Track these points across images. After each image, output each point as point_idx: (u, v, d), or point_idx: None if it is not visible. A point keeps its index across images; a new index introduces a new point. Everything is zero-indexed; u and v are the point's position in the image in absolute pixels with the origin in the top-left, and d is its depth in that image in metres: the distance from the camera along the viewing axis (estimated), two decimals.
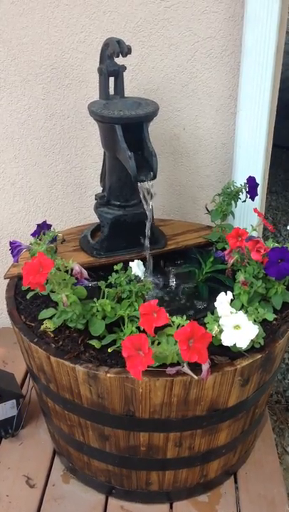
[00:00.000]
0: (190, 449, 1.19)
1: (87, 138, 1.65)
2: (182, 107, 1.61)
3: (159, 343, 1.03)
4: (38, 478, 1.38)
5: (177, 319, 1.01)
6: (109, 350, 1.11)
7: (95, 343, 1.13)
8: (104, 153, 1.41)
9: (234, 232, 1.20)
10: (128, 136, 1.26)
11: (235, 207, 1.49)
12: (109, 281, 1.18)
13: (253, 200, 1.46)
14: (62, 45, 1.53)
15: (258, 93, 1.49)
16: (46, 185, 1.73)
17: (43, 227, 1.43)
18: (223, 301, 1.02)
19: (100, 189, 1.49)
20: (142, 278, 1.20)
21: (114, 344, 1.13)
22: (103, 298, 1.16)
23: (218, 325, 1.02)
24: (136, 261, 1.21)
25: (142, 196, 1.31)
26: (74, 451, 1.30)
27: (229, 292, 1.05)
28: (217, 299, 1.04)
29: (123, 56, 1.27)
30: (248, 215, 1.61)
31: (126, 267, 1.43)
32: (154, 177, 1.27)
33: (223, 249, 1.44)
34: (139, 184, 1.28)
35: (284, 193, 3.45)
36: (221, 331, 1.00)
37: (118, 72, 1.35)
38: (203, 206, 1.70)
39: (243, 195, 1.46)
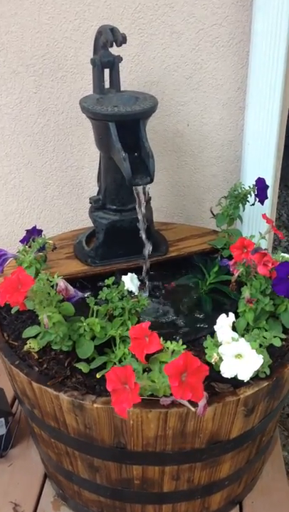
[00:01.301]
0: (189, 482, 1.08)
1: (84, 135, 1.53)
2: (186, 101, 1.49)
3: (150, 371, 0.91)
4: (27, 504, 1.28)
5: (172, 344, 0.89)
6: (98, 375, 1.00)
7: (82, 366, 1.02)
8: None
9: (239, 242, 1.08)
10: (123, 134, 1.14)
11: (243, 210, 1.36)
12: (100, 297, 1.07)
13: (262, 203, 1.33)
14: (55, 33, 1.41)
15: (269, 85, 1.36)
16: (40, 185, 1.62)
17: (32, 233, 1.32)
18: (223, 324, 0.90)
19: (97, 189, 1.37)
20: (137, 293, 1.08)
21: (104, 367, 1.02)
22: (92, 316, 1.04)
23: (219, 351, 0.90)
24: (129, 274, 1.09)
25: (136, 200, 1.19)
26: (63, 479, 1.20)
27: (231, 314, 0.93)
28: (217, 321, 0.92)
29: (117, 45, 1.15)
30: (257, 219, 1.48)
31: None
32: (151, 181, 1.14)
33: (230, 257, 1.31)
34: (134, 188, 1.16)
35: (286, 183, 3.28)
36: (221, 359, 0.88)
37: (113, 64, 1.23)
38: (208, 208, 1.58)
39: (251, 198, 1.33)
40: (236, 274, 1.10)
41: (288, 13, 1.28)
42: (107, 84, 1.26)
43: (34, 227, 1.31)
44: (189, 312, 1.24)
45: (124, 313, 1.06)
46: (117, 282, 1.06)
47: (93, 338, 1.04)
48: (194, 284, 1.31)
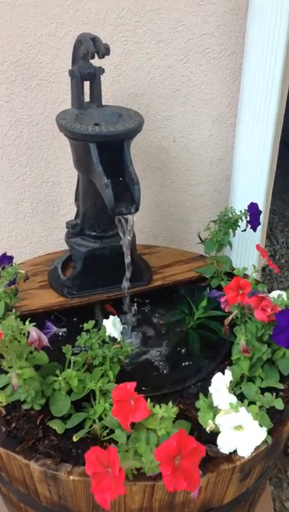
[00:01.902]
0: None
1: (60, 148, 1.40)
2: (172, 116, 1.38)
3: (135, 437, 0.80)
4: None
5: (161, 410, 0.78)
6: (75, 438, 0.88)
7: (56, 426, 0.90)
8: None
9: (234, 283, 0.97)
10: (105, 156, 1.02)
11: (234, 236, 1.25)
12: (78, 343, 0.95)
13: (254, 230, 1.23)
14: (29, 38, 1.27)
15: (262, 102, 1.25)
16: (12, 201, 1.48)
17: (2, 261, 1.18)
18: (219, 386, 0.79)
19: (75, 209, 1.25)
20: (119, 339, 0.96)
21: (81, 426, 0.90)
22: (69, 366, 0.92)
23: (214, 416, 0.79)
24: (111, 318, 0.97)
25: (119, 229, 1.08)
26: None
27: (228, 372, 0.82)
28: (212, 381, 0.81)
29: (99, 57, 1.02)
30: (247, 246, 1.38)
31: (103, 310, 1.23)
32: (136, 209, 1.03)
33: (219, 287, 1.21)
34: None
35: (281, 195, 3.20)
36: (217, 427, 0.77)
37: (94, 76, 1.10)
38: (194, 230, 1.48)
39: (242, 223, 1.23)
40: (230, 318, 0.99)
41: (287, 23, 1.17)
42: (86, 97, 1.13)
43: (4, 255, 1.18)
44: (175, 352, 1.13)
45: (106, 362, 0.94)
46: (96, 317, 0.94)
47: (70, 391, 0.92)
48: (181, 318, 1.20)
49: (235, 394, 0.94)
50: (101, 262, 1.18)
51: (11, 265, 1.17)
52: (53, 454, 0.86)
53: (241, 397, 0.95)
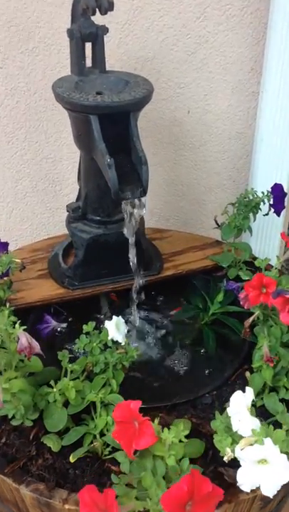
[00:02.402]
0: None
1: (61, 121, 1.27)
2: (187, 83, 1.23)
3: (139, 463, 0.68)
4: None
5: (170, 434, 0.66)
6: (72, 459, 0.77)
7: (52, 443, 0.79)
8: None
9: (256, 280, 0.84)
10: (108, 131, 0.89)
11: (254, 221, 1.12)
12: (76, 347, 0.84)
13: (278, 215, 1.11)
14: None
15: None
16: (10, 179, 1.36)
17: None
18: (240, 409, 0.67)
19: (78, 188, 1.13)
20: (123, 342, 0.85)
21: (80, 443, 0.79)
22: (66, 375, 0.81)
23: (232, 442, 0.67)
24: (114, 319, 0.85)
25: (125, 215, 0.95)
26: None
27: (249, 390, 0.70)
28: (230, 401, 0.69)
29: (102, 13, 0.89)
30: (269, 230, 1.24)
31: (109, 302, 1.11)
32: (144, 193, 0.90)
33: (237, 278, 1.09)
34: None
35: None
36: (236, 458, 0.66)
37: (96, 36, 0.96)
38: (210, 212, 1.36)
39: (264, 207, 1.10)
40: (250, 320, 0.87)
41: None
42: (88, 62, 1.00)
43: None
44: (187, 354, 1.01)
45: (108, 370, 0.83)
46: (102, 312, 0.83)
47: (67, 402, 0.81)
48: (194, 314, 1.08)
49: (256, 406, 0.83)
50: (105, 250, 1.07)
51: (6, 253, 1.05)
52: (46, 478, 0.75)
53: (263, 412, 0.84)
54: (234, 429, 0.67)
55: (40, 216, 1.42)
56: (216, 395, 0.89)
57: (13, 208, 1.40)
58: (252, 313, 0.90)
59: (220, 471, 0.76)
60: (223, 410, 0.82)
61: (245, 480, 0.62)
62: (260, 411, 0.84)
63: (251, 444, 0.63)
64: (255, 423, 0.66)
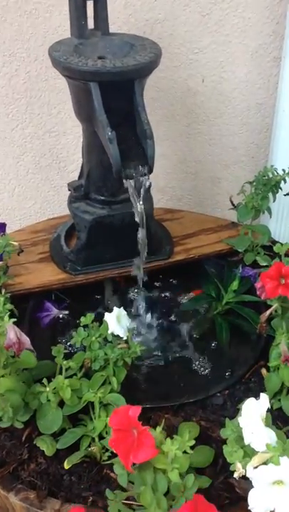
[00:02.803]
0: None
1: (65, 91, 1.18)
2: (201, 48, 1.15)
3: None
4: None
5: (174, 445, 0.58)
6: (67, 465, 0.71)
7: (45, 446, 0.72)
8: None
9: (274, 270, 0.76)
10: (110, 100, 0.81)
11: (273, 201, 1.04)
12: (73, 342, 0.76)
13: None
14: None
15: None
16: (12, 155, 1.29)
17: None
18: (253, 419, 0.59)
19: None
20: (125, 337, 0.77)
21: (77, 446, 0.72)
22: (60, 373, 0.73)
23: (244, 455, 0.59)
24: (116, 311, 0.77)
25: (130, 193, 0.86)
26: None
27: (264, 397, 0.61)
28: (242, 409, 0.60)
29: None
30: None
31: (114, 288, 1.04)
32: (150, 171, 0.82)
33: (254, 264, 1.02)
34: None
35: None
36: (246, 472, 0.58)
37: None
38: (226, 191, 1.27)
39: (285, 186, 1.02)
40: (268, 313, 0.78)
41: None
42: (90, 23, 0.90)
43: None
44: (196, 348, 0.93)
45: (108, 366, 0.76)
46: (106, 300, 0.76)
47: (62, 401, 0.74)
48: (206, 303, 0.99)
49: (272, 409, 0.75)
50: (110, 232, 0.99)
51: (3, 235, 0.98)
52: (38, 485, 0.69)
53: (280, 415, 0.76)
54: (246, 442, 0.59)
55: (44, 194, 1.35)
56: (228, 395, 0.82)
57: (15, 185, 1.33)
58: (269, 304, 0.82)
59: (231, 482, 0.69)
60: (235, 413, 0.75)
61: (258, 503, 0.54)
62: (277, 414, 0.76)
63: (265, 463, 0.55)
64: (271, 436, 0.58)
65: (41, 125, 1.24)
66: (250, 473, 0.55)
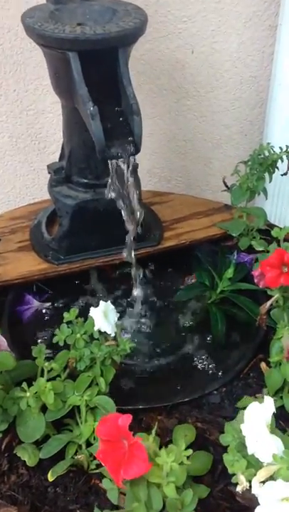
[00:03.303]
0: None
1: (43, 65, 1.09)
2: (191, 16, 1.09)
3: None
4: None
5: (169, 457, 0.53)
6: (51, 477, 0.64)
7: (27, 456, 0.66)
8: None
9: (275, 258, 0.70)
10: (92, 72, 0.74)
11: (270, 182, 0.98)
12: (56, 340, 0.70)
13: None
14: None
15: None
16: None
17: None
18: (257, 425, 0.53)
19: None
20: (112, 333, 0.70)
21: (61, 454, 0.66)
22: (42, 375, 0.67)
23: (248, 466, 0.54)
24: (102, 304, 0.71)
25: (110, 176, 0.79)
26: None
27: (268, 400, 0.55)
28: (245, 416, 0.55)
29: None
30: (288, 193, 1.09)
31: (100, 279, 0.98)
32: (137, 151, 0.76)
33: (249, 249, 0.98)
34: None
35: None
36: (250, 483, 0.52)
37: None
38: (218, 172, 1.23)
39: (282, 165, 0.96)
40: (268, 304, 0.72)
41: None
42: None
43: None
44: (190, 342, 0.88)
45: (95, 366, 0.69)
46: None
47: (45, 406, 0.67)
48: (200, 292, 0.93)
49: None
50: (94, 218, 0.94)
51: None
52: (20, 499, 0.63)
53: (282, 414, 0.70)
54: (250, 451, 0.53)
55: (23, 178, 1.29)
56: (225, 393, 0.76)
57: None
58: (269, 294, 0.76)
59: (231, 490, 0.63)
60: (234, 412, 0.69)
61: None
62: (279, 413, 0.70)
63: (272, 476, 0.49)
64: (278, 445, 0.52)
65: (17, 103, 1.17)
66: (256, 490, 0.49)
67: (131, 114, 0.73)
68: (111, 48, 0.73)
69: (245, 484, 0.52)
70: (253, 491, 0.49)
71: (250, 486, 0.52)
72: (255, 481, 0.49)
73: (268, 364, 0.78)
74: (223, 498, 0.63)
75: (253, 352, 0.81)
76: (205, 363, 0.83)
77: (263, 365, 0.79)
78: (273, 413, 0.58)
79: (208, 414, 0.73)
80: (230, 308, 0.90)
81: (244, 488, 0.53)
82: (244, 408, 0.61)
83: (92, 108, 0.70)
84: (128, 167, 0.77)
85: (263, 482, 0.49)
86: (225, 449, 0.60)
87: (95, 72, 0.74)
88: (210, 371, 0.81)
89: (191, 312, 0.93)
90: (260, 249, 0.96)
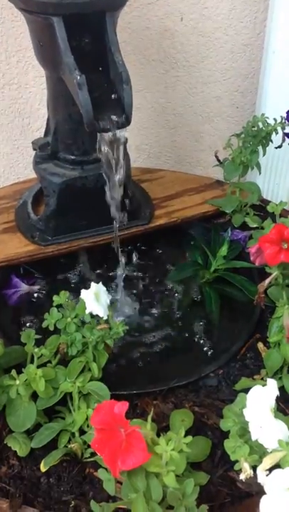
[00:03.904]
0: None
1: (25, 34, 1.06)
2: None
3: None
4: None
5: (169, 445, 0.50)
6: (43, 467, 0.62)
7: (18, 446, 0.64)
8: None
9: (275, 233, 0.66)
10: (78, 39, 0.71)
11: (263, 155, 0.95)
12: (45, 324, 0.66)
13: None
14: None
15: None
16: None
17: None
18: (261, 410, 0.50)
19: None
20: (105, 316, 0.67)
21: (53, 443, 0.64)
22: (32, 362, 0.64)
23: (250, 452, 0.51)
24: (93, 286, 0.67)
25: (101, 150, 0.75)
26: None
27: (271, 382, 0.53)
28: (247, 399, 0.52)
29: None
30: (280, 167, 1.06)
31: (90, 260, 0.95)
32: (127, 122, 0.72)
33: (243, 226, 0.95)
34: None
35: None
36: (254, 469, 0.50)
37: None
38: (209, 146, 1.19)
39: (276, 138, 0.93)
40: (266, 282, 0.69)
41: None
42: None
43: None
44: (184, 323, 0.85)
45: (87, 351, 0.66)
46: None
47: (36, 394, 0.64)
48: (193, 272, 0.90)
49: None
50: (83, 196, 0.90)
51: None
52: (11, 492, 0.60)
53: (282, 394, 0.68)
54: (253, 437, 0.50)
55: (6, 157, 1.24)
56: (222, 375, 0.73)
57: None
58: (264, 271, 0.73)
59: (231, 476, 0.61)
60: (232, 395, 0.67)
61: (271, 511, 0.46)
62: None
63: (278, 464, 0.47)
64: (283, 430, 0.50)
65: None
66: (262, 479, 0.47)
67: (120, 83, 0.68)
68: (98, 12, 0.68)
69: (249, 472, 0.50)
70: (259, 480, 0.47)
71: (254, 473, 0.50)
72: (260, 469, 0.47)
73: (265, 344, 0.76)
74: (223, 485, 0.61)
75: (249, 332, 0.79)
76: (200, 344, 0.80)
77: (260, 344, 0.77)
78: None
79: (206, 397, 0.70)
80: (224, 287, 0.87)
81: (248, 476, 0.50)
82: (242, 390, 0.60)
83: (79, 77, 0.66)
84: (117, 140, 0.73)
85: (269, 470, 0.47)
86: (223, 433, 0.58)
87: (81, 39, 0.70)
88: (206, 353, 0.79)
89: (185, 292, 0.90)
90: (254, 225, 0.93)
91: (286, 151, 0.97)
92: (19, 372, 0.63)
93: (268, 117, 0.91)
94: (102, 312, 0.67)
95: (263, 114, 0.91)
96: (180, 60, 1.11)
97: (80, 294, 0.68)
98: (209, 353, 0.79)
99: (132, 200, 0.93)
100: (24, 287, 0.89)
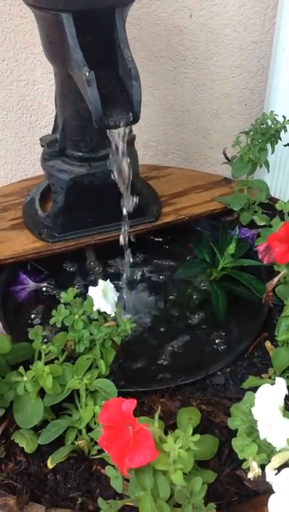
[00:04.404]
0: None
1: (34, 32, 1.07)
2: None
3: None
4: None
5: (177, 443, 0.50)
6: (50, 464, 0.62)
7: (25, 442, 0.64)
8: None
9: (284, 231, 0.66)
10: (87, 35, 0.70)
11: (272, 153, 0.95)
12: (52, 321, 0.67)
13: None
14: None
15: None
16: None
17: None
18: (269, 409, 0.50)
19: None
20: (112, 313, 0.67)
21: (61, 440, 0.64)
22: (39, 359, 0.64)
23: (258, 451, 0.51)
24: (101, 283, 0.67)
25: (113, 147, 0.75)
26: None
27: (280, 381, 0.53)
28: (256, 399, 0.52)
29: None
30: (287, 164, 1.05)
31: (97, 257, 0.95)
32: (136, 119, 0.71)
33: (251, 224, 0.95)
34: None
35: None
36: (262, 467, 0.50)
37: None
38: (218, 144, 1.19)
39: (286, 135, 0.92)
40: (275, 281, 0.69)
41: None
42: None
43: None
44: (191, 321, 0.85)
45: (94, 348, 0.66)
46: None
47: (43, 390, 0.65)
48: (200, 270, 0.90)
49: None
50: (90, 193, 0.90)
51: None
52: (18, 488, 0.60)
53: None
54: (262, 436, 0.50)
55: (14, 154, 1.24)
56: (230, 373, 0.73)
57: None
58: (272, 269, 0.73)
59: (238, 474, 0.61)
60: (239, 393, 0.67)
61: (280, 510, 0.46)
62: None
63: (287, 463, 0.47)
64: None
65: (7, 73, 1.12)
66: (270, 478, 0.46)
67: (129, 79, 0.68)
68: (107, 8, 0.68)
69: (258, 471, 0.50)
70: (267, 479, 0.46)
71: (262, 472, 0.50)
72: (269, 469, 0.47)
73: (273, 343, 0.76)
74: (230, 483, 0.61)
75: (257, 330, 0.78)
76: (207, 342, 0.80)
77: (268, 344, 0.77)
78: None
79: (213, 396, 0.70)
80: (231, 285, 0.87)
81: (256, 475, 0.50)
82: (249, 389, 0.59)
83: (88, 73, 0.65)
84: (125, 137, 0.73)
85: (278, 469, 0.47)
86: (231, 431, 0.58)
87: (90, 35, 0.69)
88: (213, 351, 0.79)
89: (192, 291, 0.90)
90: (262, 224, 0.93)
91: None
92: (27, 368, 0.63)
93: (276, 115, 0.91)
94: (109, 309, 0.67)
95: (271, 112, 0.91)
96: (189, 56, 1.11)
97: (87, 291, 0.68)
98: (216, 351, 0.79)
99: (139, 198, 0.93)
100: (31, 284, 0.89)
